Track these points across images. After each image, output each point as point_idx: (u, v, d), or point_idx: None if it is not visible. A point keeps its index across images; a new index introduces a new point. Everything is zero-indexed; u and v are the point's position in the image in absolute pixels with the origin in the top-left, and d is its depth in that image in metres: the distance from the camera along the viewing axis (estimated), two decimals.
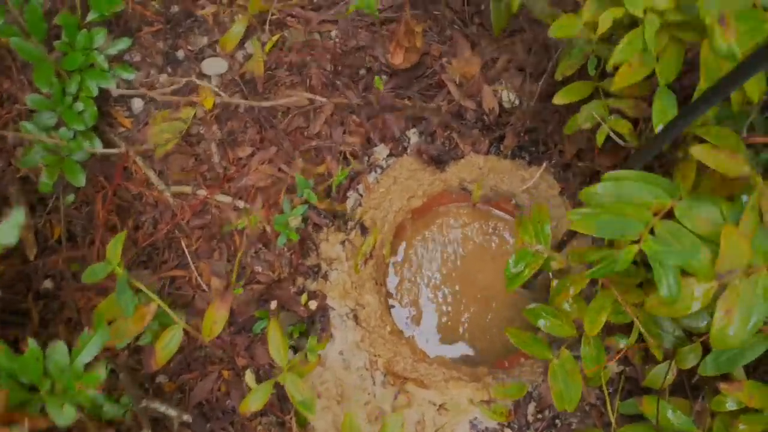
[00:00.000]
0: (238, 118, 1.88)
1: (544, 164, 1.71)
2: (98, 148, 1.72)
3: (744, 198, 1.10)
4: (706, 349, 1.23)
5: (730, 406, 1.18)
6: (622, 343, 1.32)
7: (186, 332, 1.42)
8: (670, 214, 1.07)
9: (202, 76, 1.94)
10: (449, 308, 1.83)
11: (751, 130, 1.20)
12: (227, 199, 1.80)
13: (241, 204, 1.78)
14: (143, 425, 1.41)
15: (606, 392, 1.38)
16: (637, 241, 1.01)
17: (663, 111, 1.16)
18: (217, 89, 1.85)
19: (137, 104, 1.87)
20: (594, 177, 1.70)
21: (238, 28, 1.78)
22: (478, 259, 1.88)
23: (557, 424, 1.53)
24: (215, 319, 1.30)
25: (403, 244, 1.90)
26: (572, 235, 1.49)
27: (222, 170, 1.83)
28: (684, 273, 1.02)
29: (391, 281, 1.87)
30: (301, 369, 1.33)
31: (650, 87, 1.37)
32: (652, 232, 1.04)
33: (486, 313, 1.82)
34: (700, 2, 0.97)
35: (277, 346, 1.28)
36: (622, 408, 1.45)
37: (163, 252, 1.77)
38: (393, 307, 1.84)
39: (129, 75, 1.83)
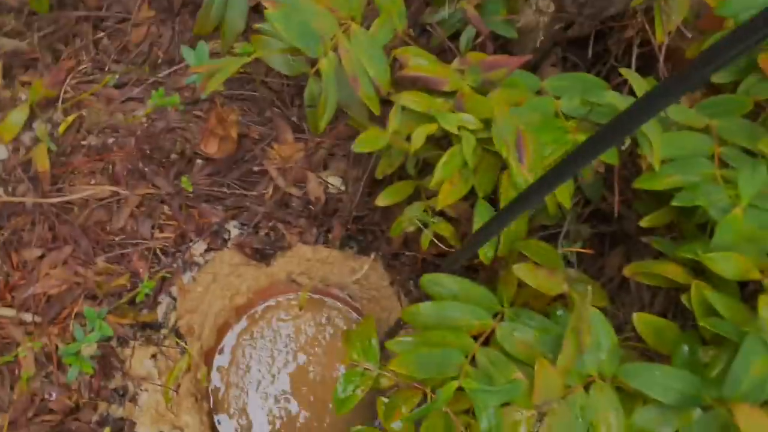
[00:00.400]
0: (24, 213, 1.63)
1: (372, 255, 1.67)
2: None
3: (559, 312, 1.13)
4: None
5: None
6: None
7: None
8: (491, 335, 1.06)
9: None
10: (282, 413, 1.70)
11: (566, 236, 1.24)
12: (10, 312, 1.53)
13: (28, 317, 1.53)
14: None
15: None
16: (457, 377, 0.98)
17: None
18: None
19: None
20: (423, 264, 1.69)
21: (17, 117, 1.55)
22: (313, 354, 1.77)
23: None
24: None
25: (228, 348, 1.74)
26: (401, 326, 1.46)
27: (3, 278, 1.56)
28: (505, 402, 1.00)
29: (216, 391, 1.70)
30: None
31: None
32: (473, 359, 1.01)
33: (323, 416, 1.71)
34: (494, 133, 0.98)
35: None
36: None
37: None
38: (215, 418, 1.67)
39: None
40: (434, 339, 1.00)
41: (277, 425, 1.71)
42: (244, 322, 1.78)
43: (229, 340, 1.77)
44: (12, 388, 1.48)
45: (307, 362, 1.77)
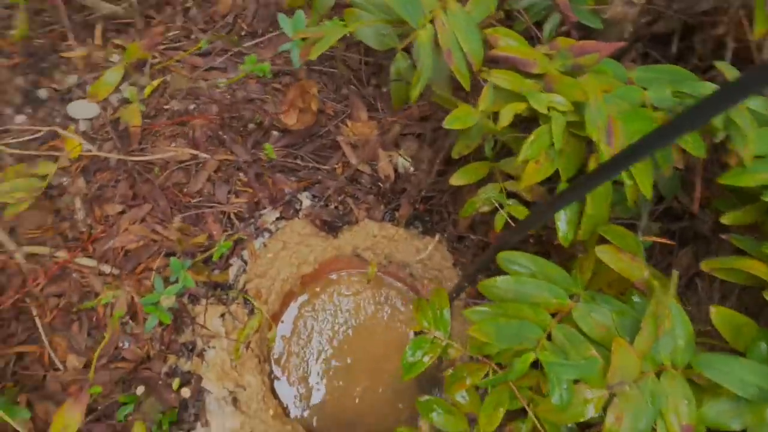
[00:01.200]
0: (109, 170, 1.74)
1: (437, 236, 1.72)
2: None
3: (636, 299, 1.15)
4: None
5: None
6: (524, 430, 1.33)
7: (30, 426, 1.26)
8: (567, 314, 1.09)
9: (68, 119, 1.78)
10: (340, 383, 1.78)
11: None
12: (91, 262, 1.64)
13: (106, 269, 1.63)
14: None
15: None
16: (534, 348, 1.02)
17: None
18: (84, 139, 1.70)
19: None
20: (485, 250, 1.73)
21: (112, 76, 1.65)
22: (370, 330, 1.84)
23: None
24: (66, 423, 1.16)
25: (292, 316, 1.82)
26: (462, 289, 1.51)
27: (86, 229, 1.67)
28: (577, 380, 1.04)
29: (278, 356, 1.78)
30: None
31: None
32: (549, 335, 1.05)
33: (377, 387, 1.78)
34: (587, 117, 1.01)
35: None
36: None
37: (10, 324, 1.57)
38: (277, 379, 1.75)
39: None
40: (512, 311, 1.04)
41: (335, 395, 1.78)
42: (306, 295, 1.86)
43: (291, 310, 1.85)
44: (89, 334, 1.58)
45: (364, 337, 1.84)
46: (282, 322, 1.83)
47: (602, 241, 1.17)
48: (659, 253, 1.58)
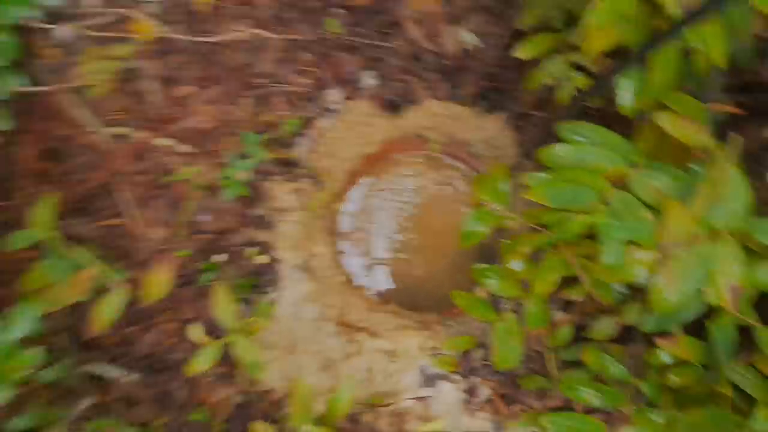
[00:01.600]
0: (179, 51, 1.82)
1: (502, 114, 1.74)
2: (24, 86, 1.64)
3: (695, 167, 1.17)
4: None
5: (665, 359, 1.30)
6: (575, 296, 1.42)
7: (128, 287, 1.44)
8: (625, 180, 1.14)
9: (139, 1, 1.85)
10: (403, 255, 1.90)
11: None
12: (169, 142, 1.77)
13: (183, 148, 1.76)
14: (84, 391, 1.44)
15: (547, 344, 1.50)
16: (589, 212, 1.07)
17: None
18: (156, 20, 1.78)
19: (66, 35, 1.78)
20: (551, 127, 1.75)
21: None
22: (432, 208, 1.93)
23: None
24: (157, 282, 1.32)
25: (357, 193, 1.92)
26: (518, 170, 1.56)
27: (165, 110, 1.79)
28: (630, 241, 1.10)
29: (345, 230, 1.91)
30: (250, 329, 1.37)
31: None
32: (606, 200, 1.10)
33: (438, 260, 1.89)
34: None
35: (223, 308, 1.32)
36: (566, 354, 1.56)
37: (100, 199, 1.75)
38: (343, 252, 1.89)
39: (54, 1, 1.73)
40: (569, 176, 1.09)
41: (398, 266, 1.91)
42: (371, 175, 1.95)
43: (358, 189, 1.95)
44: (173, 206, 1.74)
45: (426, 215, 1.93)
46: (349, 199, 1.94)
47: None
48: (731, 128, 1.55)
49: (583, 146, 1.13)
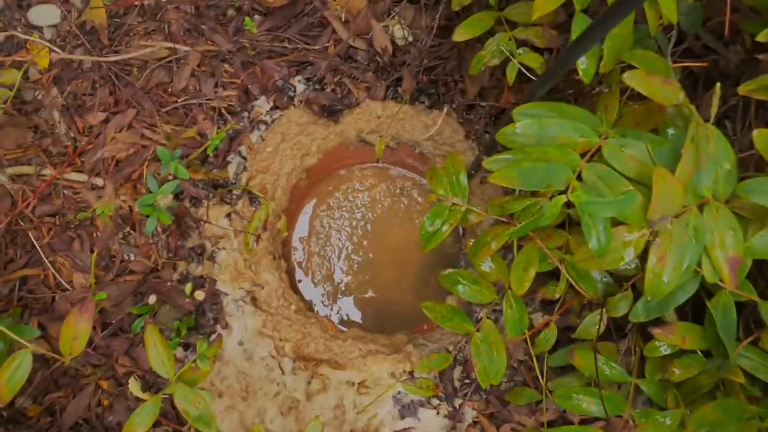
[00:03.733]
0: (84, 77, 1.62)
1: (446, 108, 1.61)
2: None
3: (670, 131, 1.06)
4: (636, 294, 1.21)
5: (664, 350, 1.17)
6: (554, 294, 1.28)
7: (46, 346, 1.22)
8: (596, 154, 1.01)
9: (31, 27, 1.65)
10: (366, 277, 1.74)
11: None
12: (81, 177, 1.56)
13: (99, 181, 1.56)
14: None
15: (531, 352, 1.35)
16: (564, 191, 0.94)
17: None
18: (51, 44, 1.58)
19: None
20: (499, 117, 1.63)
21: None
22: (389, 222, 1.78)
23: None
24: (75, 334, 1.11)
25: (307, 217, 1.76)
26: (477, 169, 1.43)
27: (71, 143, 1.58)
28: (614, 222, 0.96)
29: (299, 258, 1.74)
30: (192, 377, 1.17)
31: (556, 15, 1.29)
32: (579, 176, 0.97)
33: (403, 277, 1.74)
34: None
35: (158, 356, 1.12)
36: (551, 361, 1.42)
37: (7, 248, 1.52)
38: (300, 281, 1.72)
39: None
40: (536, 155, 0.95)
41: (361, 288, 1.75)
42: (320, 193, 1.79)
43: (306, 211, 1.79)
44: (92, 250, 1.53)
45: (384, 230, 1.79)
46: (295, 219, 1.77)
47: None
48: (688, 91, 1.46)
49: (545, 120, 0.99)
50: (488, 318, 1.24)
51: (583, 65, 1.07)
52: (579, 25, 1.07)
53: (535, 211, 1.05)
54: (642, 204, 0.94)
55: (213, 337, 1.48)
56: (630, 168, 0.97)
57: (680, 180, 0.92)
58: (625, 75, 0.97)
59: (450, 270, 1.25)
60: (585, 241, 0.97)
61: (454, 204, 1.16)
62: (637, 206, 0.93)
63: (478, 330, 1.22)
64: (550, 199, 0.94)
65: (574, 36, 1.06)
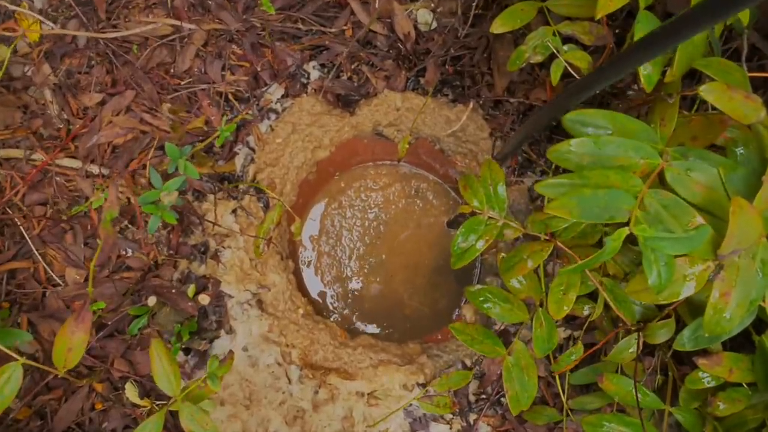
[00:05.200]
0: (78, 53, 1.48)
1: (472, 103, 1.48)
2: None
3: (739, 151, 0.95)
4: (678, 318, 1.12)
5: (707, 381, 1.08)
6: (587, 311, 1.18)
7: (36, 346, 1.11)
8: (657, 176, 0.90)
9: None
10: (377, 279, 1.63)
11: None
12: (75, 163, 1.43)
13: (94, 169, 1.42)
14: None
15: (553, 369, 1.26)
16: (626, 222, 0.83)
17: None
18: (42, 15, 1.43)
19: None
20: (527, 114, 1.51)
21: None
22: (402, 224, 1.67)
23: (502, 402, 1.40)
24: (71, 346, 1.00)
25: (319, 215, 1.65)
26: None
27: (63, 125, 1.44)
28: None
29: (309, 259, 1.63)
30: (198, 393, 1.07)
31: None
32: (640, 203, 0.86)
33: (414, 280, 1.63)
34: None
35: (164, 372, 1.01)
36: (573, 379, 1.33)
37: None
38: (301, 281, 1.61)
39: None
40: (595, 179, 0.84)
41: (371, 290, 1.64)
42: (333, 191, 1.68)
43: (318, 209, 1.68)
44: (86, 243, 1.40)
45: (397, 231, 1.68)
46: (305, 217, 1.65)
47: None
48: None
49: (602, 138, 0.88)
50: (519, 340, 1.14)
51: (647, 71, 0.95)
52: (644, 25, 0.95)
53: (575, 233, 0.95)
54: (711, 236, 0.84)
55: (216, 341, 1.37)
56: (696, 194, 0.87)
57: (759, 210, 0.81)
58: (703, 88, 0.85)
59: (478, 286, 1.14)
60: (640, 271, 0.87)
61: (490, 218, 1.05)
62: (706, 241, 0.83)
63: (509, 353, 1.12)
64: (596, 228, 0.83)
65: (637, 36, 0.94)
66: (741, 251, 0.85)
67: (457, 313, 1.62)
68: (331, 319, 1.60)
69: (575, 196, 0.82)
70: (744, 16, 0.96)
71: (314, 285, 1.63)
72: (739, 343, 1.15)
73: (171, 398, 1.03)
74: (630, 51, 0.88)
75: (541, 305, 1.16)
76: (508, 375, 1.10)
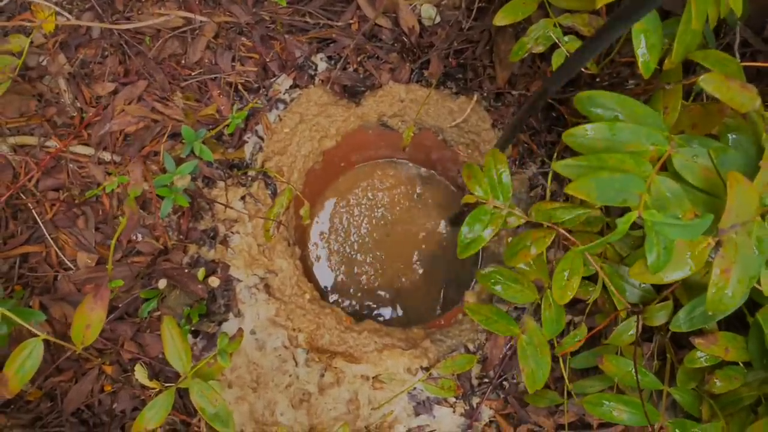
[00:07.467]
0: (92, 44, 1.49)
1: (476, 95, 1.50)
2: None
3: (731, 136, 0.96)
4: (675, 301, 1.13)
5: (703, 360, 1.10)
6: (592, 299, 1.19)
7: (48, 328, 1.11)
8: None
9: None
10: (382, 274, 1.64)
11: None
12: (88, 150, 1.44)
13: (106, 156, 1.43)
14: None
15: (556, 352, 1.27)
16: (636, 207, 0.84)
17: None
18: (58, 6, 1.44)
19: None
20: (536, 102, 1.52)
21: None
22: (405, 221, 1.69)
23: (504, 386, 1.41)
24: (89, 322, 1.00)
25: (328, 211, 1.67)
26: None
27: (77, 113, 1.45)
28: None
29: (317, 251, 1.65)
30: (207, 371, 1.07)
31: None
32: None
33: (417, 273, 1.65)
34: None
35: (175, 350, 1.02)
36: (575, 362, 1.34)
37: (7, 223, 1.40)
38: (309, 265, 1.62)
39: None
40: (612, 163, 0.85)
41: (376, 284, 1.66)
42: (340, 189, 1.70)
43: (327, 206, 1.69)
44: (97, 228, 1.41)
45: (399, 229, 1.69)
46: (313, 204, 1.67)
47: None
48: None
49: (617, 124, 0.89)
50: (530, 318, 1.15)
51: (645, 57, 0.97)
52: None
53: (580, 219, 0.96)
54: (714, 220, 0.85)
55: (224, 324, 1.38)
56: (701, 180, 0.88)
57: (758, 187, 0.82)
58: (702, 78, 0.86)
59: (489, 268, 1.15)
60: (641, 254, 0.88)
61: (495, 207, 1.06)
62: (708, 226, 0.84)
63: (523, 332, 1.13)
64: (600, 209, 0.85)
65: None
66: (739, 226, 0.86)
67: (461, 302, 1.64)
68: (341, 306, 1.61)
69: (593, 178, 0.83)
70: (737, 7, 0.97)
71: (318, 269, 1.64)
72: (732, 325, 1.17)
73: (180, 379, 1.04)
74: (606, 25, 0.88)
75: (549, 287, 1.17)
76: (522, 353, 1.11)
